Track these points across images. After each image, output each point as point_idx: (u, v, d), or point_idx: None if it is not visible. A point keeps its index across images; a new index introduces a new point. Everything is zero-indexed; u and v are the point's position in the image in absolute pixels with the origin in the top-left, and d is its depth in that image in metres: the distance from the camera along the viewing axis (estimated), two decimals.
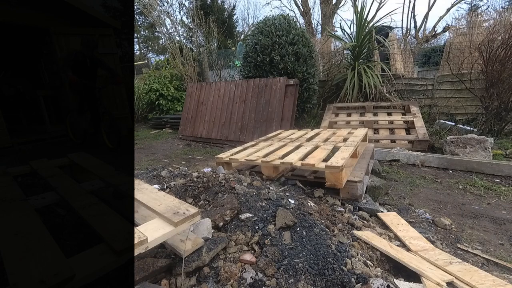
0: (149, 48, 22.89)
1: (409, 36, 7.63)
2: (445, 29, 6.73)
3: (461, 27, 5.55)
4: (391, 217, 2.00)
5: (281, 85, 4.54)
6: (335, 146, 2.51)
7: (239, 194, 1.73)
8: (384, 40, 5.32)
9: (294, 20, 5.22)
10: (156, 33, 19.40)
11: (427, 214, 2.23)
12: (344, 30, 6.01)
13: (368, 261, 1.38)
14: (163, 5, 9.08)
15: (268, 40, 4.71)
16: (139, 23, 19.92)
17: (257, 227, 1.44)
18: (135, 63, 11.89)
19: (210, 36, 8.35)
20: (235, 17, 17.08)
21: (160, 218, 1.23)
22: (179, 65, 7.79)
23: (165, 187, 1.96)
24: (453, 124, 4.48)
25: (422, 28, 7.92)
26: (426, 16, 7.84)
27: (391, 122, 4.58)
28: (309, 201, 1.95)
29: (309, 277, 1.17)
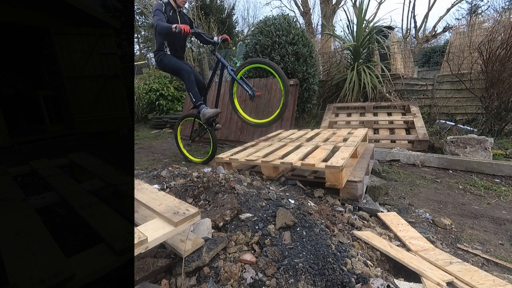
0: (149, 48, 22.86)
1: (409, 36, 7.64)
2: (445, 29, 6.74)
3: (461, 26, 5.56)
4: (391, 217, 2.00)
5: None
6: (335, 146, 2.51)
7: (239, 194, 1.73)
8: (384, 40, 5.32)
9: (294, 20, 5.21)
10: None
11: (427, 214, 2.23)
12: (344, 29, 6.00)
13: (368, 261, 1.38)
14: None
15: (268, 40, 4.71)
16: (139, 23, 19.88)
17: (257, 227, 1.44)
18: (135, 63, 11.89)
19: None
20: (234, 17, 17.06)
21: (160, 218, 1.23)
22: None
23: (165, 187, 1.96)
24: (453, 124, 4.48)
25: (422, 28, 7.95)
26: (426, 16, 7.87)
27: (391, 122, 4.57)
28: (309, 201, 1.94)
29: (309, 277, 1.17)
